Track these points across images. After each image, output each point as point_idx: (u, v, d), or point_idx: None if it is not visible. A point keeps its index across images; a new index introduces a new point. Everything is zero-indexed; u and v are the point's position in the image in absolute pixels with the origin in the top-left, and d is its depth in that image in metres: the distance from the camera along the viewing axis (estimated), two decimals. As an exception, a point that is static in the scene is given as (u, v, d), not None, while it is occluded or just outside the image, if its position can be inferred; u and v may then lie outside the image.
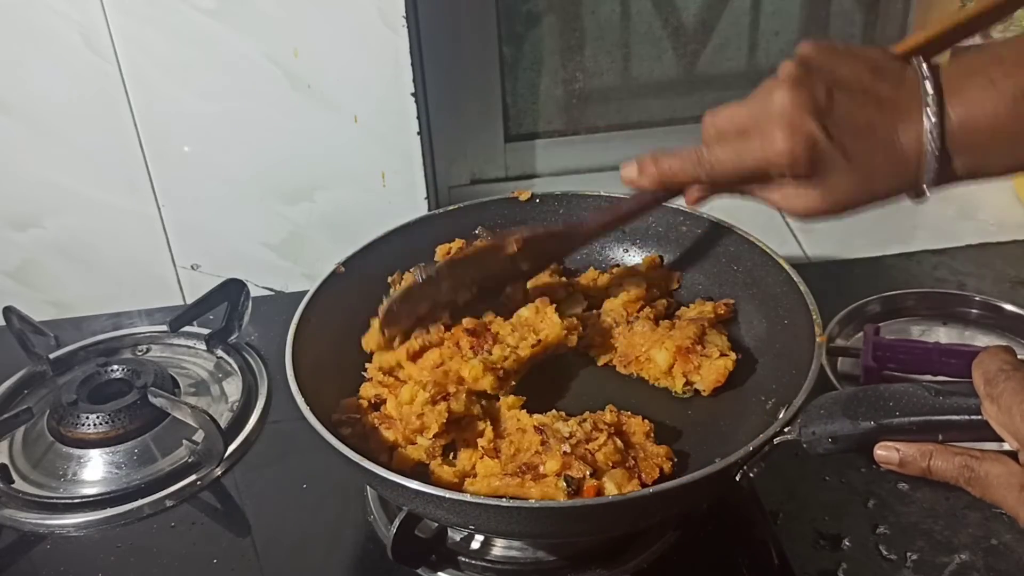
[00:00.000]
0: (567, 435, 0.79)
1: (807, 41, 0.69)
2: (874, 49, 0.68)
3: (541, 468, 0.77)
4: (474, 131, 1.32)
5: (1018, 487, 0.57)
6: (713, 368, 0.87)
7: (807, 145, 0.64)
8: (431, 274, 0.87)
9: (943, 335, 1.06)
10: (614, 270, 1.02)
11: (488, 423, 0.84)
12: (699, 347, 0.89)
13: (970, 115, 0.62)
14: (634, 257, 1.05)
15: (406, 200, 1.18)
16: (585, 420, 0.81)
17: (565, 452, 0.76)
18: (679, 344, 0.88)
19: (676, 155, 0.73)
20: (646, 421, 0.82)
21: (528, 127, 1.37)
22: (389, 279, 1.00)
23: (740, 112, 0.69)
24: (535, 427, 0.80)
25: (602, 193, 1.03)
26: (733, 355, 0.89)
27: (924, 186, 0.65)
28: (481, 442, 0.82)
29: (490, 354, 0.87)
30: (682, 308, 0.98)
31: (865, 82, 0.65)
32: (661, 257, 1.02)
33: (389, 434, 0.83)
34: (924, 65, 0.64)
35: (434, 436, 0.82)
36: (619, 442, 0.79)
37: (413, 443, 0.83)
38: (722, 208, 1.17)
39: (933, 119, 0.62)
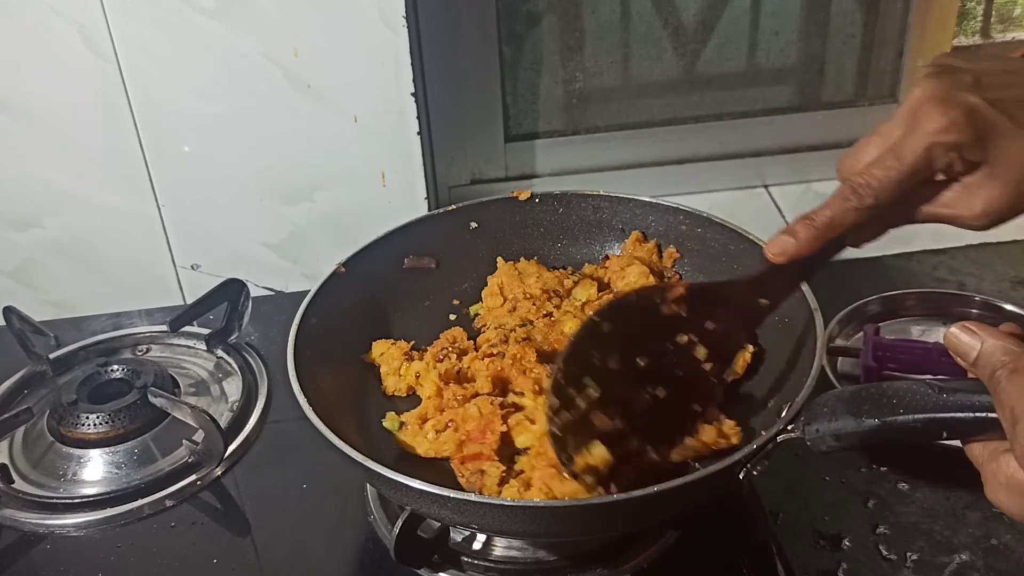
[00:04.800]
0: None
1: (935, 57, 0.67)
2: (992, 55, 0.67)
3: None
4: (474, 131, 1.32)
5: None
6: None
7: (965, 111, 0.62)
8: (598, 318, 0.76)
9: (943, 335, 1.05)
10: (607, 262, 1.02)
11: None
12: None
13: None
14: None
15: (406, 200, 1.18)
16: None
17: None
18: None
19: (824, 205, 0.67)
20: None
21: (528, 127, 1.37)
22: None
23: (879, 132, 0.65)
24: None
25: (602, 193, 1.04)
26: (751, 347, 0.89)
27: None
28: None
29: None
30: None
31: (1006, 66, 0.64)
32: (644, 234, 1.02)
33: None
34: None
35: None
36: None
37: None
38: (722, 207, 1.18)
39: None
